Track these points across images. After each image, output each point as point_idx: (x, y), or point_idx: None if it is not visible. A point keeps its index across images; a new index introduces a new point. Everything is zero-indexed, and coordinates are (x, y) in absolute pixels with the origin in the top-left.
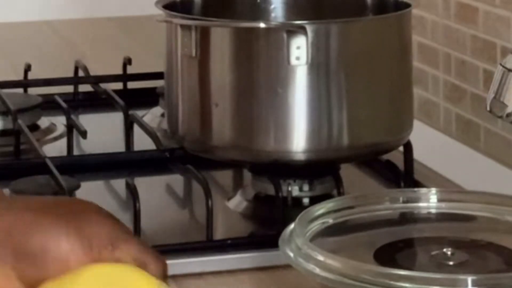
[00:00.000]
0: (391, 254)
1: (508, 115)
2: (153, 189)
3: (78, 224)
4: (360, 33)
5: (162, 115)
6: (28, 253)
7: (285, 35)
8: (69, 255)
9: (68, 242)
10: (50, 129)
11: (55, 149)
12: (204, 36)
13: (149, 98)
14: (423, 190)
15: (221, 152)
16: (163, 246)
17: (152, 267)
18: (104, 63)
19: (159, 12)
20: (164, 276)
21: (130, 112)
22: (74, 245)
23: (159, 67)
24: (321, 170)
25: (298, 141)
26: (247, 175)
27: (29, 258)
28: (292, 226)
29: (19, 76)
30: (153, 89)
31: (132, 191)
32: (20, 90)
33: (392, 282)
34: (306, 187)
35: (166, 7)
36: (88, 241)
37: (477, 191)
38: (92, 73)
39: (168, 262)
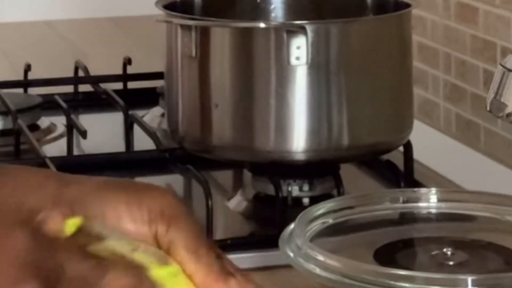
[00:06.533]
0: (391, 254)
1: (508, 115)
2: None
3: (139, 196)
4: (360, 33)
5: (162, 115)
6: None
7: (285, 35)
8: (127, 226)
9: (128, 209)
10: (50, 129)
11: (55, 149)
12: (204, 36)
13: (149, 98)
14: (423, 190)
15: (221, 152)
16: None
17: (203, 255)
18: (104, 63)
19: (159, 12)
20: (221, 270)
21: (130, 112)
22: (133, 213)
23: (159, 67)
24: (321, 170)
25: (298, 141)
26: (247, 175)
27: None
28: (292, 226)
29: (19, 76)
30: (153, 89)
31: None
32: (20, 90)
33: (392, 282)
34: (306, 187)
35: (166, 7)
36: (148, 214)
37: (477, 191)
38: (92, 73)
39: None
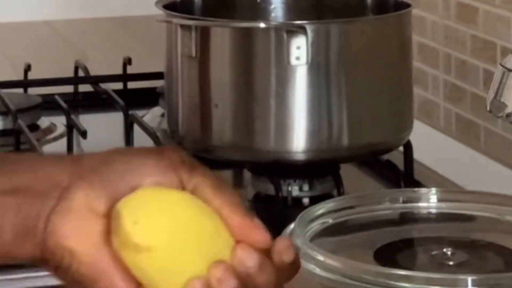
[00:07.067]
0: (391, 254)
1: (508, 115)
2: None
3: (159, 151)
4: (360, 33)
5: (162, 115)
6: (114, 178)
7: (285, 35)
8: (155, 171)
9: (153, 160)
10: (50, 129)
11: (55, 149)
12: (204, 36)
13: (149, 98)
14: (423, 190)
15: (221, 152)
16: None
17: (228, 194)
18: (104, 63)
19: (159, 12)
20: (245, 207)
21: (130, 112)
22: (159, 163)
23: (159, 67)
24: (321, 170)
25: (298, 141)
26: (247, 175)
27: (115, 183)
28: (292, 226)
29: (19, 76)
30: (153, 89)
31: None
32: (20, 90)
33: (392, 282)
34: (306, 187)
35: (166, 7)
36: (171, 162)
37: (477, 191)
38: (92, 73)
39: None
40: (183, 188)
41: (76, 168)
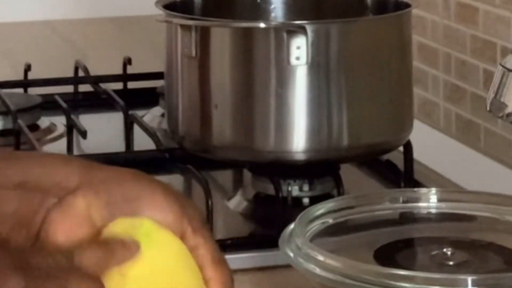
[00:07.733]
0: (391, 254)
1: (508, 115)
2: None
3: (176, 193)
4: (360, 33)
5: (162, 115)
6: (122, 199)
7: (285, 35)
8: (162, 211)
9: (164, 199)
10: (50, 129)
11: (55, 149)
12: (204, 36)
13: (149, 98)
14: (423, 190)
15: (221, 152)
16: None
17: (225, 271)
18: (104, 63)
19: (159, 12)
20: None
21: (130, 112)
22: (169, 204)
23: (159, 67)
24: (321, 170)
25: (298, 141)
26: (247, 175)
27: (122, 203)
28: (292, 226)
29: (19, 76)
30: (153, 89)
31: None
32: (20, 90)
33: (392, 282)
34: (306, 187)
35: (166, 7)
36: (182, 212)
37: (477, 191)
38: (92, 73)
39: None
40: (183, 240)
41: (88, 175)
